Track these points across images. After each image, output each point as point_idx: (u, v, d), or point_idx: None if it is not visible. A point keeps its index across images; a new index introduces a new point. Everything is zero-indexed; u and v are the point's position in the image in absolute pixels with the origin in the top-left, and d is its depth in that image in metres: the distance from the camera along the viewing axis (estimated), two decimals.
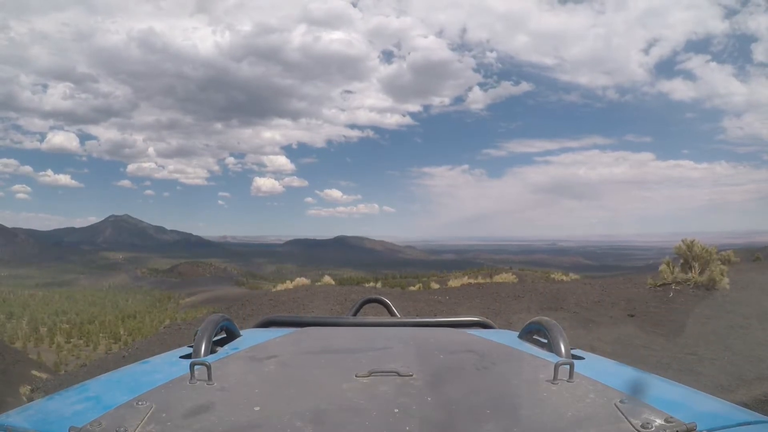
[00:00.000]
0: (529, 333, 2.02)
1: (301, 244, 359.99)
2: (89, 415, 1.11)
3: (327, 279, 18.43)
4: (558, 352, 1.67)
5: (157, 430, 1.06)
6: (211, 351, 1.70)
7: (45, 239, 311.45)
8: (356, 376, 1.38)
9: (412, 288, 18.33)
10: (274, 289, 17.53)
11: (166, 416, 1.11)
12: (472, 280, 17.17)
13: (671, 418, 1.10)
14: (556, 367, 1.36)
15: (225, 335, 2.01)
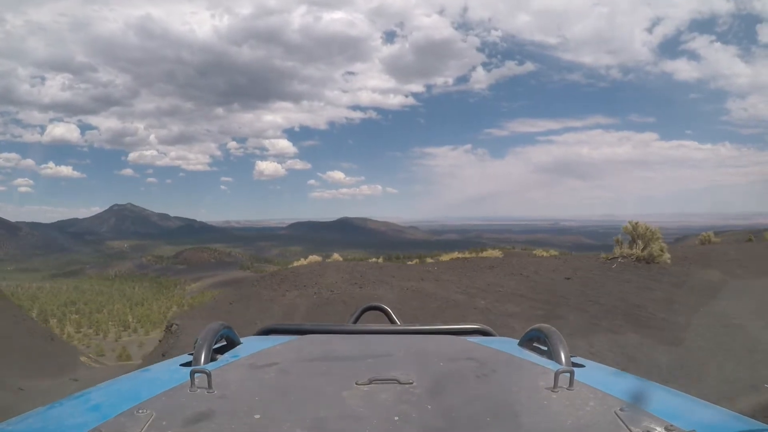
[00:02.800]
0: (529, 340, 2.03)
1: (304, 226, 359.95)
2: (89, 423, 1.13)
3: (336, 256, 21.27)
4: (558, 360, 1.64)
5: None
6: (212, 359, 1.72)
7: (49, 231, 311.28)
8: (356, 384, 1.39)
9: (410, 263, 20.90)
10: (290, 266, 20.39)
11: (167, 424, 1.13)
12: (460, 256, 19.70)
13: (671, 426, 1.10)
14: (556, 374, 1.36)
15: (225, 343, 2.04)
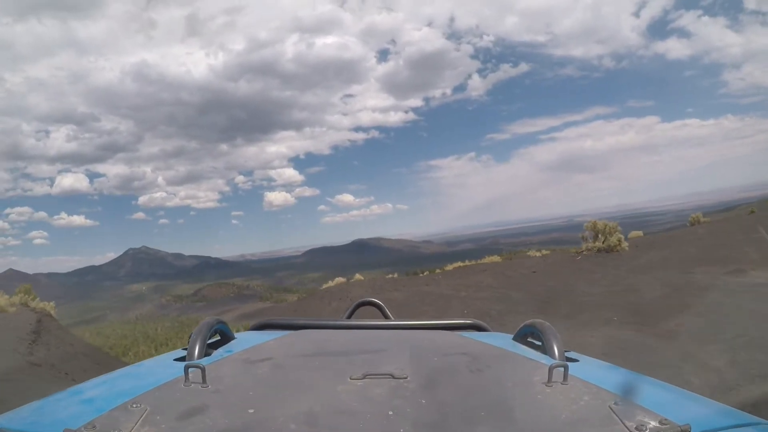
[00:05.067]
0: (523, 335, 2.03)
1: (320, 252, 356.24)
2: (83, 417, 1.13)
3: (358, 276, 24.60)
4: (552, 355, 1.67)
5: None
6: (206, 354, 1.73)
7: (67, 280, 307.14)
8: (351, 379, 1.39)
9: (421, 275, 24.16)
10: (321, 288, 24.20)
11: (161, 419, 1.13)
12: (462, 264, 22.50)
13: (665, 420, 1.11)
14: (551, 369, 1.36)
15: (219, 338, 2.04)
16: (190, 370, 1.38)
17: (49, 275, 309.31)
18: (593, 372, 1.60)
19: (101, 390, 1.51)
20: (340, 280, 24.12)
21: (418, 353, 1.78)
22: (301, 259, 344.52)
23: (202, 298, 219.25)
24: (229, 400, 1.27)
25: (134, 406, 1.19)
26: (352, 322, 2.87)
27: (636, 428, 1.09)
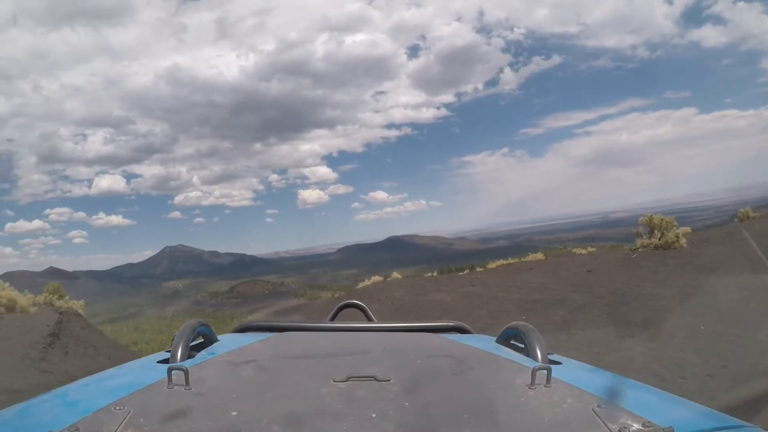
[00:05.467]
0: (506, 338, 2.03)
1: (353, 249, 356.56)
2: (67, 419, 1.13)
3: (395, 275, 23.57)
4: (535, 357, 1.65)
5: None
6: (189, 356, 1.71)
7: (105, 278, 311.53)
8: (334, 381, 1.39)
9: (460, 273, 23.04)
10: (357, 287, 23.10)
11: (144, 421, 1.13)
12: (505, 262, 21.63)
13: (648, 422, 1.11)
14: (534, 372, 1.36)
15: (202, 340, 2.03)
16: (173, 372, 1.36)
17: (89, 273, 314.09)
18: (576, 374, 1.59)
19: (85, 392, 1.52)
20: (377, 278, 23.21)
21: (401, 355, 1.82)
22: (335, 257, 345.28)
23: (237, 294, 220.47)
24: (212, 403, 1.27)
25: (117, 408, 1.19)
26: (336, 324, 2.79)
27: (619, 431, 1.09)
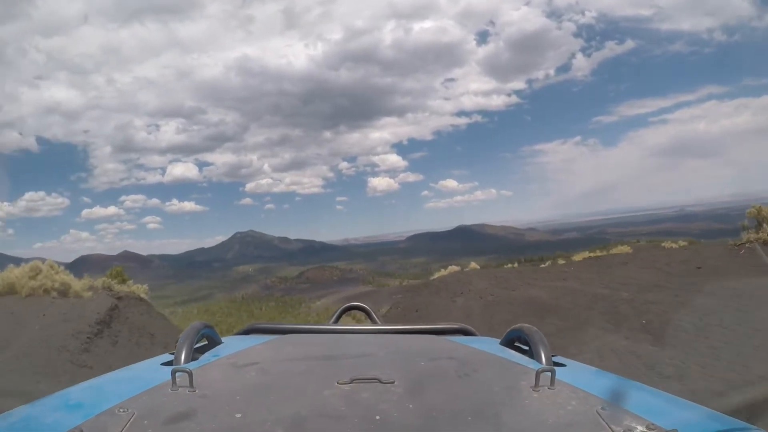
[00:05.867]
0: (510, 340, 2.06)
1: (422, 238, 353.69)
2: (70, 422, 1.13)
3: (473, 265, 22.03)
4: (539, 359, 1.66)
5: None
6: (193, 358, 1.72)
7: (178, 261, 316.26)
8: (337, 383, 1.40)
9: (542, 265, 21.42)
10: (433, 277, 21.57)
11: (147, 423, 1.14)
12: (591, 255, 20.03)
13: (652, 424, 1.11)
14: (538, 374, 1.38)
15: (206, 342, 2.04)
16: (177, 374, 1.39)
17: (162, 257, 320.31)
18: (581, 377, 1.61)
19: (88, 394, 1.54)
20: (453, 268, 21.62)
21: (405, 358, 1.85)
22: (403, 244, 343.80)
23: (305, 280, 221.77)
24: (216, 405, 1.29)
25: (121, 410, 1.20)
26: (339, 326, 2.82)
27: None
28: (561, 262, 20.89)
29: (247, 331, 2.65)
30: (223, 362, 1.74)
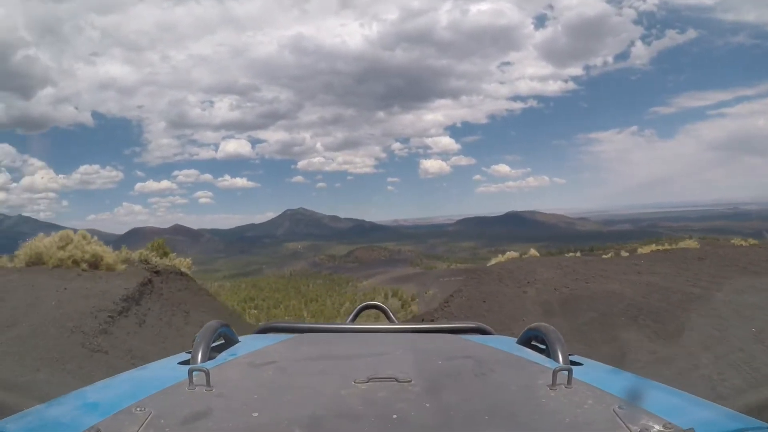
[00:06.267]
0: (527, 339, 2.07)
1: (472, 222, 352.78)
2: (87, 421, 1.14)
3: (532, 252, 20.80)
4: (556, 358, 1.68)
5: None
6: (210, 357, 1.73)
7: (228, 236, 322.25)
8: (354, 382, 1.41)
9: (604, 256, 20.05)
10: (489, 263, 20.21)
11: (165, 422, 1.14)
12: (659, 248, 18.92)
13: (669, 424, 1.11)
14: (555, 372, 1.38)
15: (223, 341, 2.04)
16: (194, 373, 1.40)
17: (212, 231, 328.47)
18: (597, 376, 1.62)
19: (105, 393, 1.53)
20: (511, 254, 20.34)
21: (422, 357, 1.85)
22: (453, 228, 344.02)
23: (354, 259, 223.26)
24: (233, 404, 1.29)
25: (138, 409, 1.21)
26: (356, 325, 2.77)
27: None
28: (624, 254, 19.68)
29: (264, 330, 2.62)
30: (240, 361, 1.75)
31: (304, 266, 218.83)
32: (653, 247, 19.35)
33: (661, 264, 14.84)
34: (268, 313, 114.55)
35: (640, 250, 19.32)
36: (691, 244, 19.10)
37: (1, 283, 10.52)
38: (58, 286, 10.34)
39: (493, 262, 19.62)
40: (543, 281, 13.52)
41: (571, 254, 21.91)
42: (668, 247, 18.89)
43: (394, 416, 1.19)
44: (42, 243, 12.77)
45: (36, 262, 12.46)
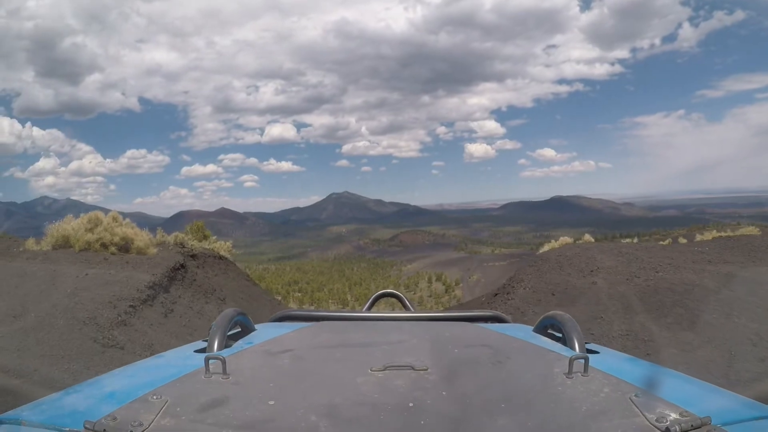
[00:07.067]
0: (543, 327, 2.06)
1: (516, 206, 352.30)
2: (104, 409, 1.15)
3: (587, 237, 19.94)
4: (572, 347, 1.70)
5: (171, 424, 1.12)
6: (226, 345, 1.74)
7: (273, 219, 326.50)
8: (371, 371, 1.41)
9: (662, 243, 19.11)
10: (540, 250, 19.15)
11: (181, 410, 1.16)
12: (721, 234, 17.81)
13: (686, 412, 1.12)
14: (571, 361, 1.38)
15: (240, 329, 2.05)
16: (210, 361, 1.41)
17: (257, 214, 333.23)
18: (614, 364, 1.62)
19: (121, 381, 1.52)
20: (565, 239, 19.37)
21: (438, 345, 1.84)
22: (497, 212, 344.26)
23: (398, 243, 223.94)
24: (249, 392, 1.30)
25: (155, 397, 1.23)
26: (372, 313, 2.79)
27: (656, 420, 1.12)
28: (682, 240, 18.66)
29: (280, 318, 2.64)
30: (256, 349, 1.75)
31: (349, 250, 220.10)
32: (714, 233, 18.19)
33: (730, 252, 13.69)
34: (312, 296, 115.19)
35: (699, 237, 18.27)
36: (752, 230, 18.03)
37: (20, 267, 9.93)
38: (79, 271, 9.63)
39: (546, 248, 18.59)
40: (606, 270, 12.33)
41: (627, 240, 20.88)
42: (731, 234, 17.64)
43: (411, 404, 1.20)
44: (70, 225, 12.17)
45: (63, 245, 11.92)
